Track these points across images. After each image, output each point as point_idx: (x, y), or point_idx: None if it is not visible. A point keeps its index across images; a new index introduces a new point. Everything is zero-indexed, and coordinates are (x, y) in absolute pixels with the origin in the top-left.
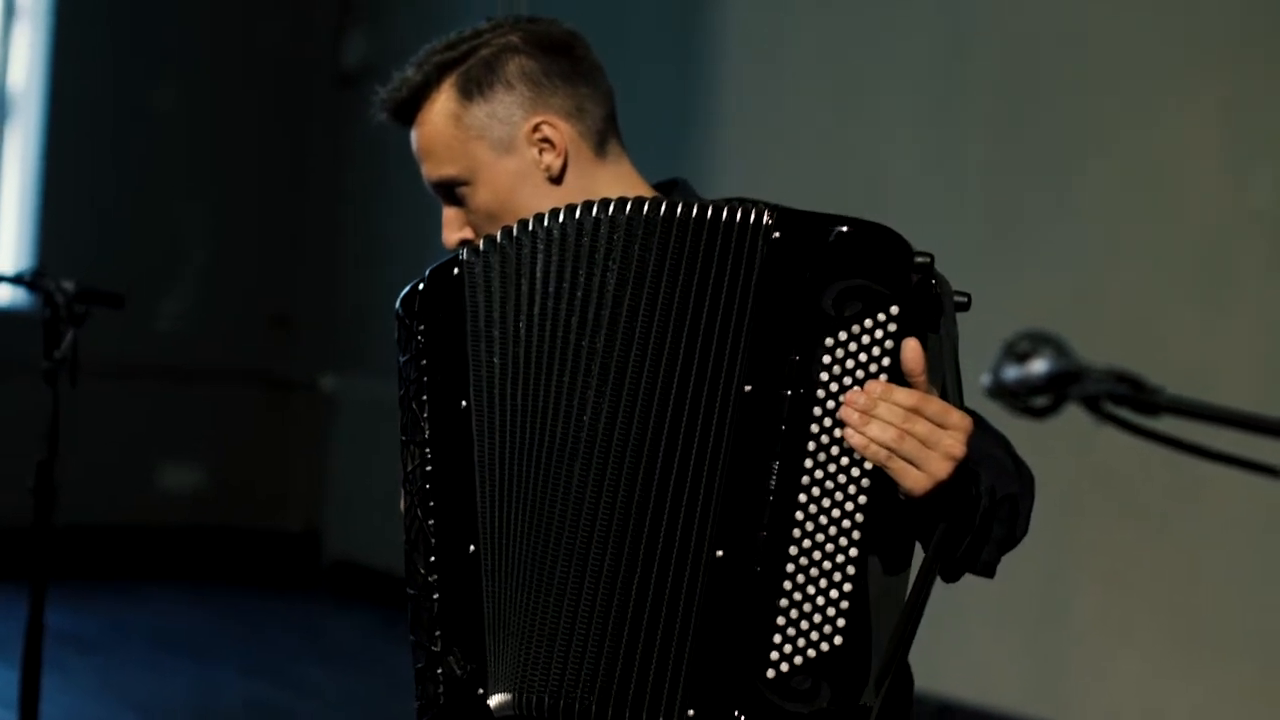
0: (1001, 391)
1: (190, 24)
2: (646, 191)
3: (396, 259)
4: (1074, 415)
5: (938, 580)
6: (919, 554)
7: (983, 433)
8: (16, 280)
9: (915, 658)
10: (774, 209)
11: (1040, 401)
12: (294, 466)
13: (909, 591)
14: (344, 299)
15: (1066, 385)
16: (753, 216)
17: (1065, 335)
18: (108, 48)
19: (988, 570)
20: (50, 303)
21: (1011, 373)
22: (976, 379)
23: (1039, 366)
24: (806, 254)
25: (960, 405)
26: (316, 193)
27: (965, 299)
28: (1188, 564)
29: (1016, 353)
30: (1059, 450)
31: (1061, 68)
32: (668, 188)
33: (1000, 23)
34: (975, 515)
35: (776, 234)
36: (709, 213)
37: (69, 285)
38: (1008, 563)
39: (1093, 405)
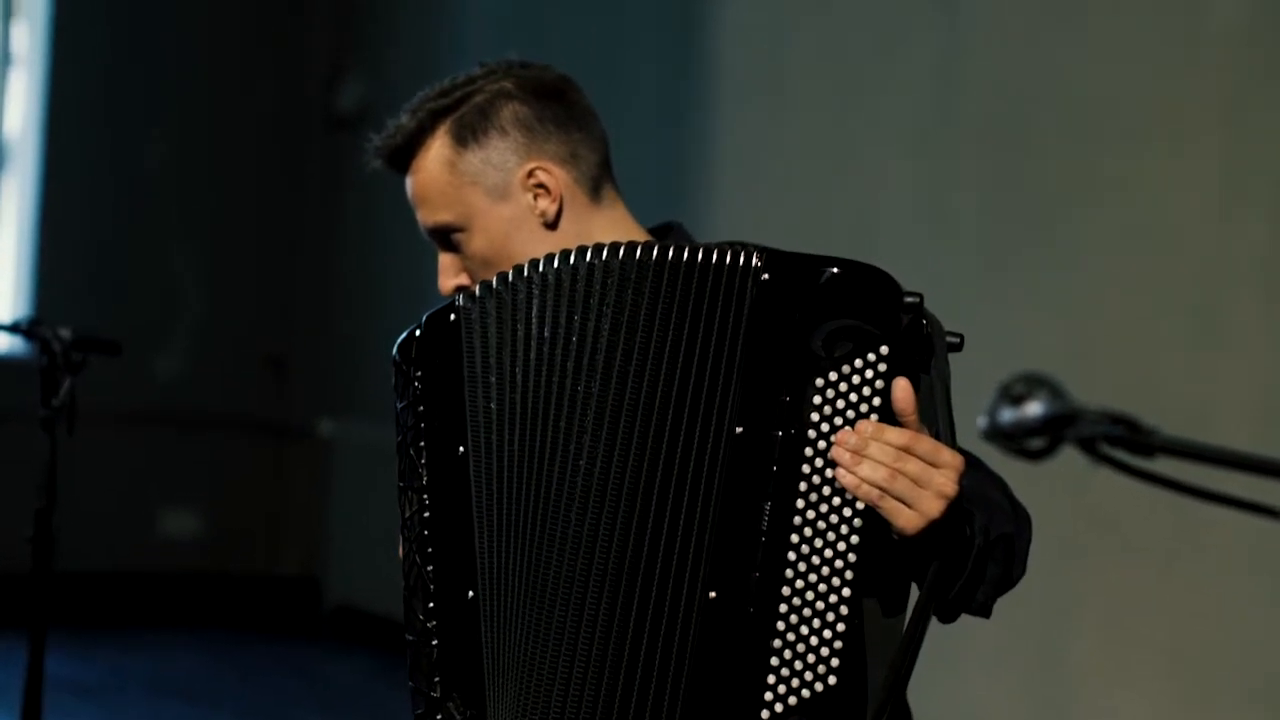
0: (997, 434)
1: (185, 68)
2: (642, 236)
3: (392, 303)
4: (1071, 456)
5: (935, 622)
6: (915, 595)
7: (978, 473)
8: (14, 329)
9: (913, 700)
10: (763, 251)
11: (1036, 444)
12: (292, 511)
13: (904, 631)
14: (340, 343)
15: (1062, 427)
16: (742, 259)
17: (1059, 377)
18: (103, 94)
19: (984, 611)
20: (47, 351)
21: (1007, 415)
22: (971, 421)
23: (1034, 409)
24: (796, 295)
25: (953, 445)
26: (312, 237)
27: (958, 339)
28: (1188, 606)
29: (1012, 395)
30: (1057, 491)
31: (1054, 110)
32: (662, 232)
33: (992, 67)
34: (969, 555)
35: (766, 275)
36: (699, 256)
37: (66, 333)
38: (1007, 604)
39: (1088, 447)
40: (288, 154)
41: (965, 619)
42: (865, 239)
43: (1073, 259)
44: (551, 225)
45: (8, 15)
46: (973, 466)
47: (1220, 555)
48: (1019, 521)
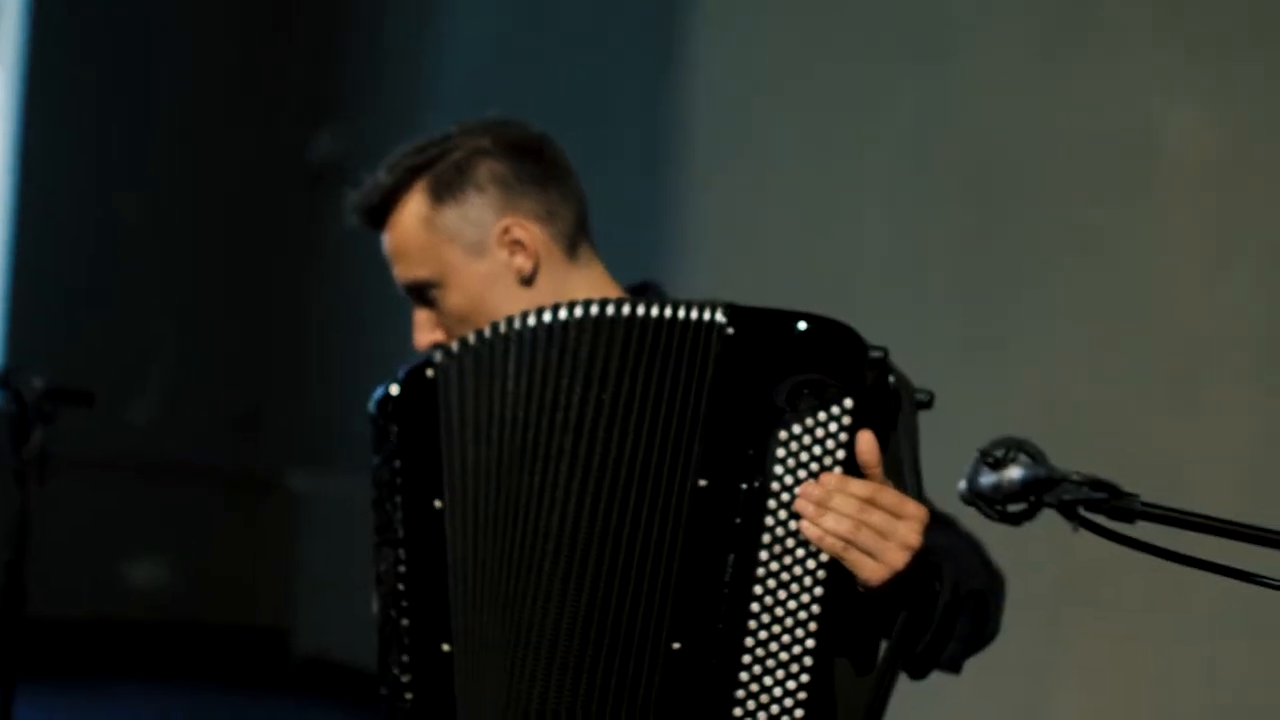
0: (977, 497)
1: (162, 119)
2: (618, 294)
3: (365, 357)
4: (1050, 516)
5: (912, 681)
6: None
7: (952, 532)
8: None
9: None
10: (728, 306)
11: (1016, 507)
12: (263, 563)
13: (870, 684)
14: (312, 396)
15: (1042, 491)
16: (706, 314)
17: (1038, 441)
18: (80, 143)
19: (953, 666)
20: (19, 401)
21: (987, 479)
22: (948, 481)
23: (1014, 473)
24: (760, 349)
25: (919, 498)
26: (285, 290)
27: (927, 397)
28: (1167, 667)
29: (992, 459)
30: (1035, 550)
31: (1033, 168)
32: (639, 290)
33: (971, 128)
34: (936, 608)
35: (730, 330)
36: (667, 312)
37: (39, 383)
38: (985, 664)
39: (1069, 512)
40: (263, 206)
41: (941, 680)
42: (843, 296)
43: (1052, 318)
44: (528, 282)
45: None
46: (947, 525)
47: (1198, 616)
48: (992, 580)
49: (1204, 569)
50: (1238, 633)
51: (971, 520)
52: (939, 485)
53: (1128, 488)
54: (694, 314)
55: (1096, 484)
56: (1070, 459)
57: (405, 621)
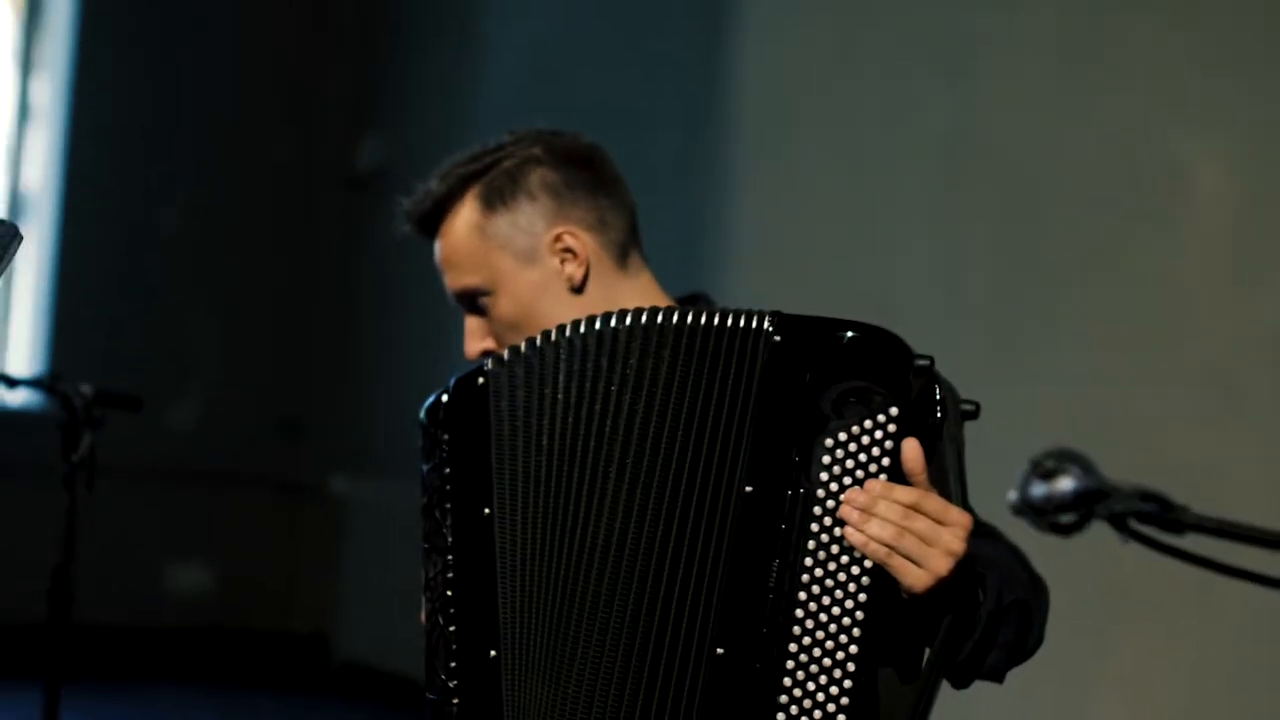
0: (1028, 508)
1: (203, 125)
2: (667, 303)
3: (407, 363)
4: (1094, 526)
5: (952, 690)
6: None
7: (996, 543)
8: (35, 383)
9: None
10: (775, 314)
11: (1067, 519)
12: (303, 568)
13: (919, 688)
14: (354, 402)
15: (1093, 503)
16: (754, 321)
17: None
18: (122, 150)
19: (996, 675)
20: (68, 406)
21: (1038, 490)
22: (990, 493)
23: (1066, 484)
24: (807, 357)
25: (965, 507)
26: (327, 296)
27: (973, 407)
28: (1206, 675)
29: (1043, 470)
30: (1074, 559)
31: (1067, 184)
32: (689, 300)
33: (1003, 143)
34: (979, 616)
35: (777, 338)
36: (714, 319)
37: (87, 389)
38: (1027, 672)
39: (1119, 523)
40: (305, 213)
41: (982, 688)
42: (882, 309)
43: (1086, 330)
44: (578, 290)
45: (27, 70)
46: (990, 536)
47: (1238, 626)
48: (1036, 591)
49: (1250, 580)
50: (1274, 638)
51: (1012, 530)
52: (977, 494)
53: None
54: (741, 321)
55: (1147, 496)
56: (1106, 469)
57: (453, 628)
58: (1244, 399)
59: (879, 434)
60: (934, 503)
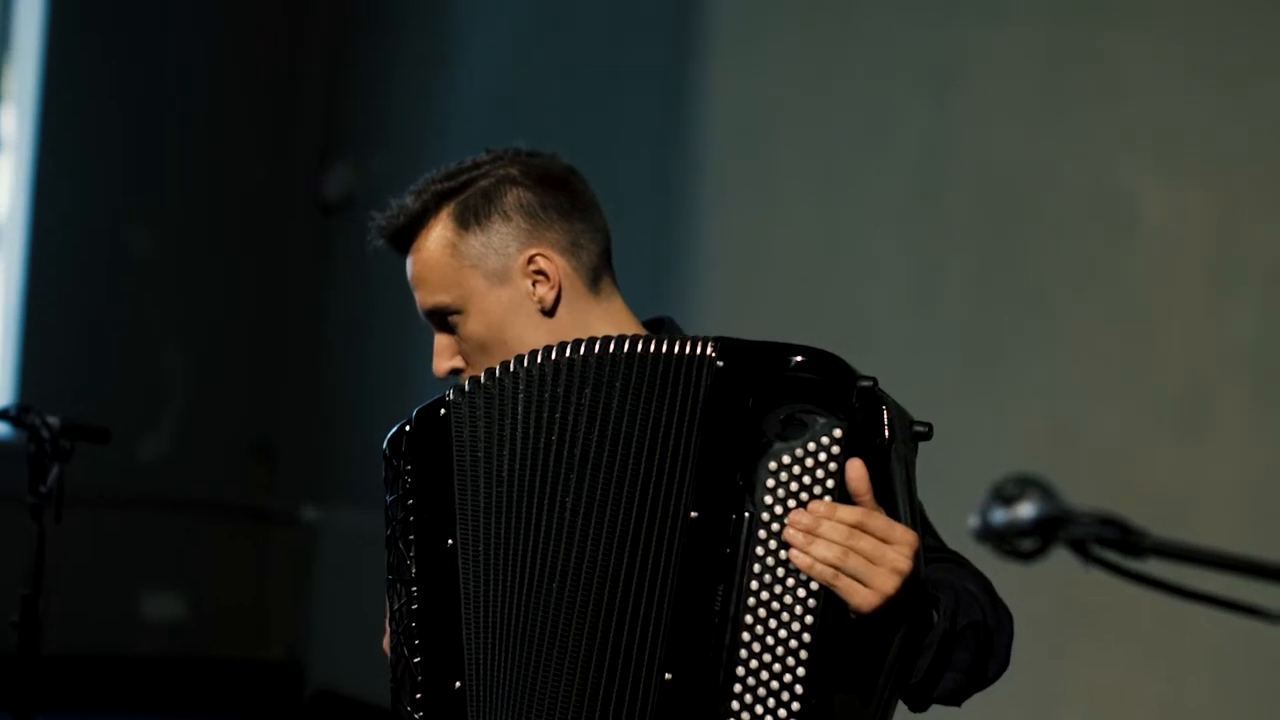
0: (989, 534)
1: (172, 154)
2: (635, 329)
3: (378, 390)
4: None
5: (916, 715)
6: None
7: (959, 569)
8: (2, 415)
9: None
10: (719, 340)
11: (1027, 545)
12: (275, 597)
13: (870, 709)
14: (325, 430)
15: (1054, 529)
16: (697, 348)
17: (1044, 471)
18: (91, 179)
19: (954, 699)
20: (35, 438)
21: (999, 516)
22: (957, 515)
23: (1026, 510)
24: (750, 381)
25: (916, 528)
26: (297, 323)
27: (925, 428)
28: (1173, 696)
29: (1004, 496)
30: (1040, 580)
31: (1041, 198)
32: (655, 325)
33: (979, 154)
34: (932, 637)
35: (720, 363)
36: (661, 347)
37: (54, 420)
38: (991, 694)
39: (1080, 549)
40: (275, 240)
41: (946, 713)
42: (855, 329)
43: (1057, 348)
44: (549, 313)
45: None
46: (954, 561)
47: (1204, 647)
48: (999, 617)
49: (1213, 605)
50: (1243, 664)
51: (977, 556)
52: (946, 516)
53: (1133, 518)
54: (685, 348)
55: (1107, 520)
56: (1076, 488)
57: (417, 659)
58: (1217, 416)
59: (822, 455)
60: (879, 521)
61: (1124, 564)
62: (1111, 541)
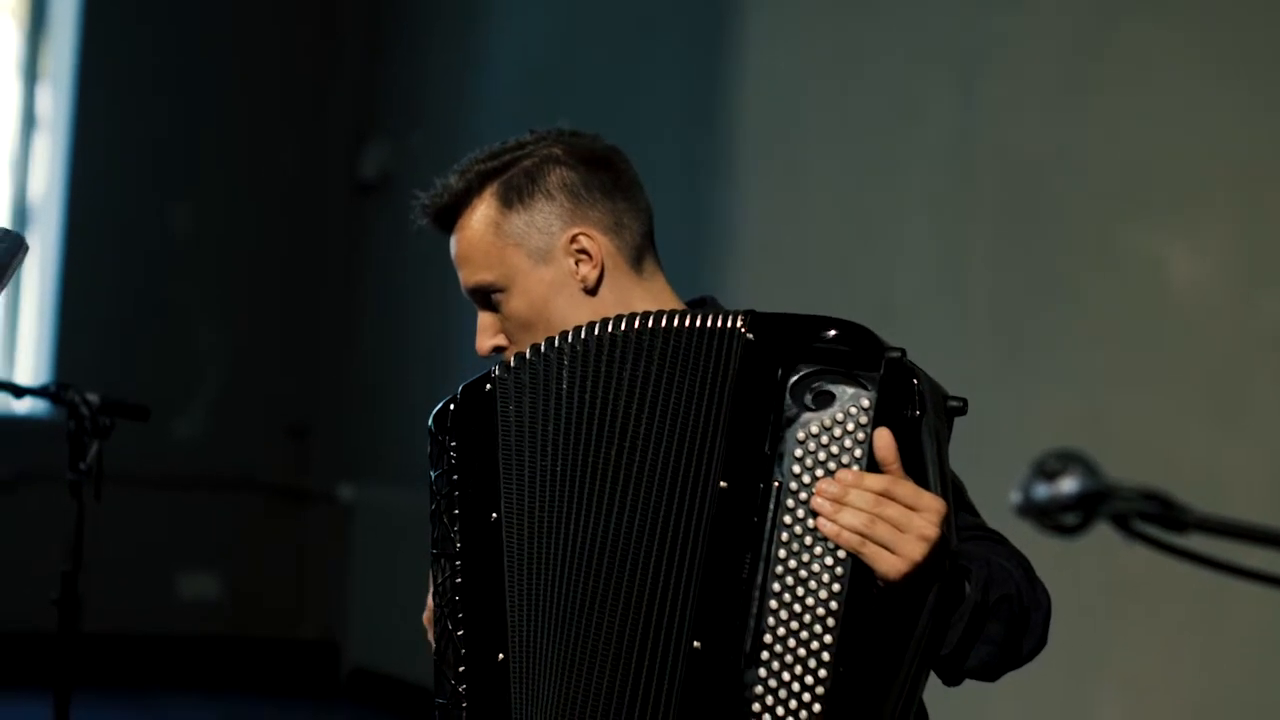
0: (1031, 510)
1: (208, 134)
2: (677, 307)
3: (415, 368)
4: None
5: (954, 691)
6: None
7: (996, 546)
8: (42, 392)
9: None
10: (749, 313)
11: (1070, 520)
12: (311, 575)
13: (899, 678)
14: (361, 408)
15: (1096, 504)
16: (729, 321)
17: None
18: (126, 158)
19: (987, 673)
20: (75, 415)
21: (1041, 491)
22: (994, 492)
23: (1069, 485)
24: (779, 353)
25: (946, 499)
26: (333, 302)
27: (960, 403)
28: (1210, 676)
29: (1046, 471)
30: (1079, 559)
31: (1071, 183)
32: (698, 304)
33: (1006, 145)
34: (963, 608)
35: (750, 336)
36: (695, 321)
37: (94, 398)
38: (1026, 672)
39: (1122, 524)
40: (311, 220)
41: (981, 689)
42: (886, 310)
43: (1089, 332)
44: (591, 291)
45: (33, 78)
46: (992, 540)
47: (1241, 626)
48: (1036, 595)
49: (1254, 580)
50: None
51: (1018, 532)
52: (983, 495)
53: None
54: (717, 322)
55: (1149, 495)
56: (1110, 470)
57: (461, 633)
58: (1249, 400)
59: (850, 425)
60: (906, 489)
61: (1166, 539)
62: (1154, 516)
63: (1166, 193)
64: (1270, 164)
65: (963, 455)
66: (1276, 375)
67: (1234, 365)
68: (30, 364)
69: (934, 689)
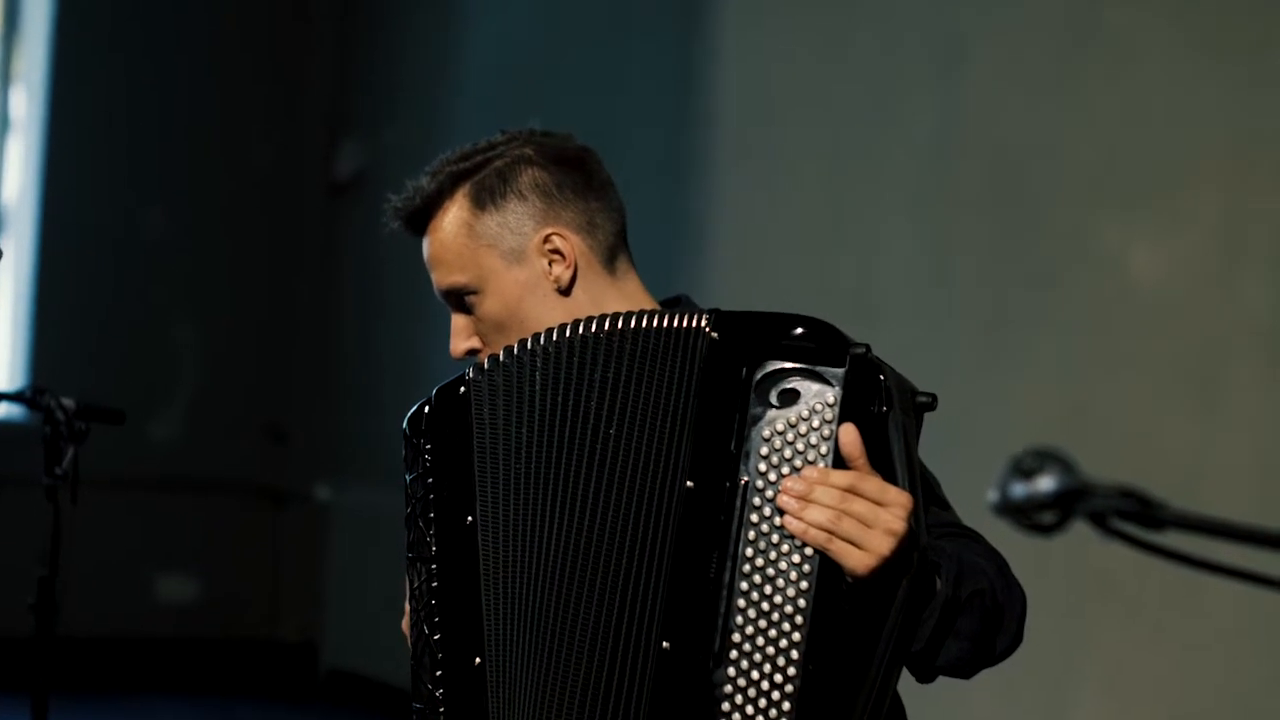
0: (1008, 508)
1: (181, 135)
2: (651, 307)
3: (390, 369)
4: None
5: (930, 690)
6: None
7: (971, 544)
8: (17, 397)
9: None
10: (713, 312)
11: (1047, 518)
12: (289, 577)
13: (869, 675)
14: (338, 409)
15: (1073, 502)
16: (692, 321)
17: (1056, 443)
18: (100, 160)
19: (960, 669)
20: (50, 420)
21: (1018, 490)
22: (974, 489)
23: (1046, 483)
24: (744, 351)
25: (915, 496)
26: (309, 302)
27: (928, 398)
28: (1186, 670)
29: (1023, 469)
30: (1054, 553)
31: (1052, 175)
32: (672, 303)
33: (988, 135)
34: (934, 603)
35: (715, 335)
36: (661, 321)
37: (69, 402)
38: (1003, 668)
39: (1099, 521)
40: (285, 220)
41: (959, 684)
42: (865, 307)
43: (1069, 323)
44: (564, 292)
45: (6, 80)
46: (967, 537)
47: (1218, 620)
48: (1010, 593)
49: (1232, 577)
50: (1258, 636)
51: (995, 530)
52: (955, 492)
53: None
54: (682, 322)
55: (1126, 493)
56: (1087, 463)
57: (437, 637)
58: (1228, 388)
59: (816, 421)
60: (872, 484)
61: (1143, 537)
62: (1131, 514)
63: (1145, 183)
64: (1249, 152)
65: (941, 448)
66: (1255, 363)
67: (1213, 354)
68: (4, 368)
69: (912, 688)
